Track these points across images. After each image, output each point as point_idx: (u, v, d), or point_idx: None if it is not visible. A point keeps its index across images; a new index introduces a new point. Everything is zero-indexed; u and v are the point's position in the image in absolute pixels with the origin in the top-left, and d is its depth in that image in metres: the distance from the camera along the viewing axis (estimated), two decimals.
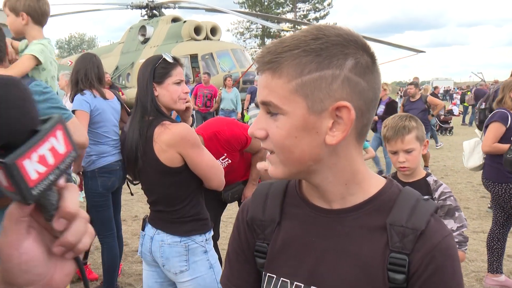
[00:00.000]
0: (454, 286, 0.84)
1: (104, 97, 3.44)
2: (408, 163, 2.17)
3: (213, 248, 2.24)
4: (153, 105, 2.07)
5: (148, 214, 2.26)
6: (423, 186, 2.17)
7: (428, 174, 2.24)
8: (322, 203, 0.92)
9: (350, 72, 0.81)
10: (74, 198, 0.59)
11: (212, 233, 2.22)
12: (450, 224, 2.08)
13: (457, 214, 2.11)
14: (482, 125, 6.08)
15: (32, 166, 0.53)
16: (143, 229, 2.22)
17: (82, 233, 0.60)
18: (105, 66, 12.86)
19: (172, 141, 1.99)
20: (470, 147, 4.64)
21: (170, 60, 2.12)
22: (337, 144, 0.83)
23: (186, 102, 2.20)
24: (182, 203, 2.10)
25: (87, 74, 3.42)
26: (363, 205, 0.89)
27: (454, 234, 2.05)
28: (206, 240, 2.15)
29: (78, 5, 18.31)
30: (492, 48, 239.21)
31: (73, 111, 3.32)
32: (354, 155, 0.88)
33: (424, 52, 16.90)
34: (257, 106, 9.46)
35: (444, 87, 42.06)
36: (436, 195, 2.14)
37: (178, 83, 2.13)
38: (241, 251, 1.04)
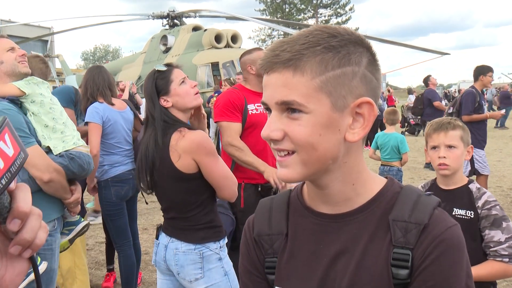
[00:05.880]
0: (452, 276, 0.80)
1: (111, 104, 3.47)
2: (448, 160, 2.04)
3: (228, 255, 2.21)
4: (161, 117, 2.11)
5: (162, 223, 2.25)
6: (465, 193, 2.04)
7: (470, 181, 2.09)
8: (327, 209, 0.90)
9: (366, 69, 0.82)
10: (26, 197, 0.60)
11: (226, 240, 2.20)
12: (498, 235, 1.91)
13: (504, 224, 1.93)
14: None
15: None
16: (157, 237, 2.23)
17: (37, 229, 0.60)
18: (128, 76, 12.95)
19: (189, 148, 2.01)
20: None
21: (163, 68, 2.17)
22: (355, 142, 0.83)
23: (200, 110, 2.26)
24: (194, 210, 2.10)
25: (95, 81, 3.46)
26: (367, 205, 0.88)
27: (503, 246, 1.89)
28: (220, 247, 2.14)
29: (101, 17, 18.69)
30: None
31: (86, 123, 3.35)
32: (360, 154, 0.89)
33: (449, 54, 16.52)
34: None
35: None
36: (480, 203, 1.98)
37: (183, 82, 2.17)
38: (253, 268, 1.00)
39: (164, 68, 2.17)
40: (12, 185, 0.59)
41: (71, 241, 2.53)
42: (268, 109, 0.86)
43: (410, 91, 19.54)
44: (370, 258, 0.85)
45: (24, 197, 0.59)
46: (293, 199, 0.98)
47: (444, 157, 2.05)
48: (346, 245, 0.87)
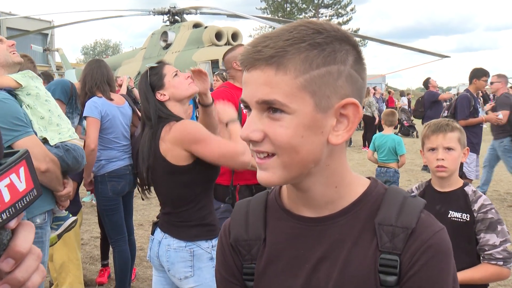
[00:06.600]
0: (440, 281, 0.79)
1: (110, 99, 3.46)
2: (446, 162, 2.03)
3: None
4: (155, 113, 2.11)
5: (159, 219, 2.25)
6: (460, 196, 2.03)
7: (465, 184, 2.09)
8: (308, 212, 0.86)
9: (352, 68, 0.78)
10: (28, 237, 0.54)
11: None
12: (493, 239, 1.91)
13: (499, 227, 1.93)
14: None
15: None
16: (152, 233, 2.22)
17: (32, 270, 0.55)
18: (127, 72, 12.88)
19: (174, 139, 2.01)
20: None
21: (155, 65, 2.21)
22: (338, 145, 0.79)
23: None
24: (187, 205, 2.08)
25: (93, 76, 3.45)
26: (350, 208, 0.84)
27: (498, 249, 1.90)
28: (212, 246, 2.11)
29: (102, 12, 18.66)
30: None
31: (84, 117, 3.34)
32: (343, 156, 0.84)
33: (449, 57, 16.50)
34: None
35: None
36: (476, 207, 1.97)
37: (176, 75, 2.18)
38: (230, 275, 0.96)
39: (156, 65, 2.21)
40: (13, 223, 0.53)
41: (59, 236, 2.52)
42: (248, 107, 0.81)
43: (402, 94, 19.81)
44: (355, 263, 0.81)
45: (25, 237, 0.54)
46: (271, 201, 0.93)
47: (443, 159, 2.04)
48: (329, 249, 0.84)
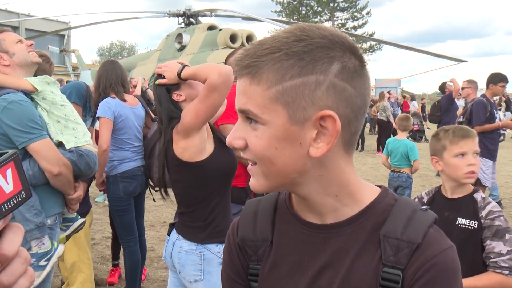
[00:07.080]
0: None
1: (123, 100, 3.47)
2: (475, 167, 2.00)
3: None
4: (168, 114, 2.10)
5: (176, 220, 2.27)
6: (469, 203, 2.00)
7: (475, 190, 2.05)
8: (314, 218, 0.85)
9: (336, 78, 0.74)
10: (14, 239, 0.52)
11: None
12: (499, 247, 1.86)
13: (507, 236, 1.88)
14: None
15: None
16: (168, 234, 2.23)
17: (19, 274, 0.52)
18: (142, 73, 12.97)
19: (184, 132, 1.99)
20: None
21: None
22: (323, 156, 0.75)
23: None
24: (198, 204, 2.07)
25: (108, 76, 3.47)
26: (357, 217, 0.81)
27: (504, 258, 1.85)
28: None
29: (118, 13, 18.84)
30: None
31: (97, 118, 3.36)
32: (343, 165, 0.80)
33: (466, 61, 16.27)
34: None
35: None
36: (483, 213, 1.94)
37: None
38: (236, 275, 0.95)
39: None
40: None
41: (68, 237, 2.56)
42: None
43: (413, 98, 19.78)
44: (357, 275, 0.79)
45: (12, 239, 0.52)
46: (281, 203, 0.92)
47: (474, 164, 2.01)
48: (332, 259, 0.82)
